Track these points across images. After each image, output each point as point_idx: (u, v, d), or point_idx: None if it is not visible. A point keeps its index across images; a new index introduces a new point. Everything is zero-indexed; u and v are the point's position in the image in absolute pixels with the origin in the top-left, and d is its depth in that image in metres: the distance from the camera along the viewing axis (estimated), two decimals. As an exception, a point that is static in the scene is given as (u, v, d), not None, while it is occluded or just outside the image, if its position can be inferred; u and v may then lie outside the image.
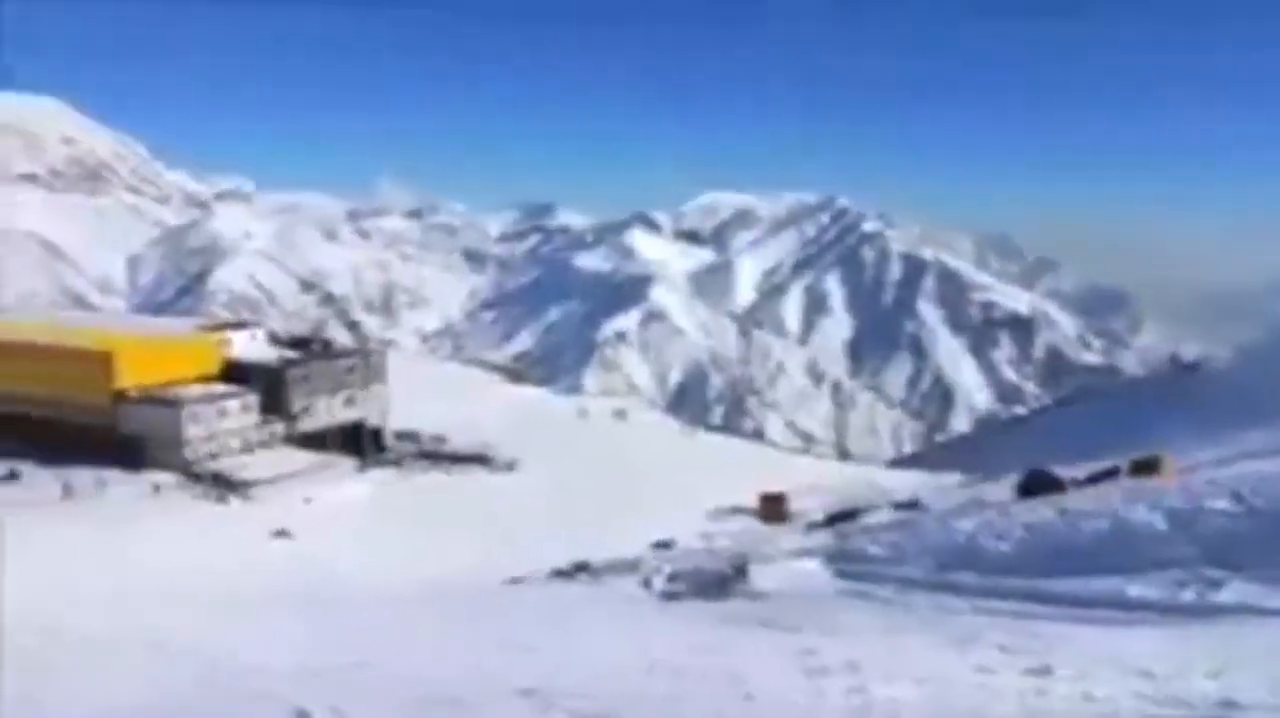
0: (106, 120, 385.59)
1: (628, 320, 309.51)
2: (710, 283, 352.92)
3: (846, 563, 19.49)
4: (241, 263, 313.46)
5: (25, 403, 48.22)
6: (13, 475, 42.16)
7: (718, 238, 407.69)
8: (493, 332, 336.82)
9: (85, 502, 39.18)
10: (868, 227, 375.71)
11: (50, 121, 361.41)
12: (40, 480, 41.55)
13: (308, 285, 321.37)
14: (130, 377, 48.12)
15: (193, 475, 44.49)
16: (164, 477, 43.57)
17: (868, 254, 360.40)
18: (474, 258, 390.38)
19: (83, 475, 41.74)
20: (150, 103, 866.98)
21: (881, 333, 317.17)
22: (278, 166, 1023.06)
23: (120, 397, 47.47)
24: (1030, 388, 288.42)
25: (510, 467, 52.38)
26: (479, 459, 53.44)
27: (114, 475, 42.64)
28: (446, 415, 60.03)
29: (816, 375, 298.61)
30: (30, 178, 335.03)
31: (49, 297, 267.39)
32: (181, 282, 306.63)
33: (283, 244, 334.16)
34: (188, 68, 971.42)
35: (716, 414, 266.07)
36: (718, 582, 19.48)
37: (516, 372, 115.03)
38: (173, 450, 45.77)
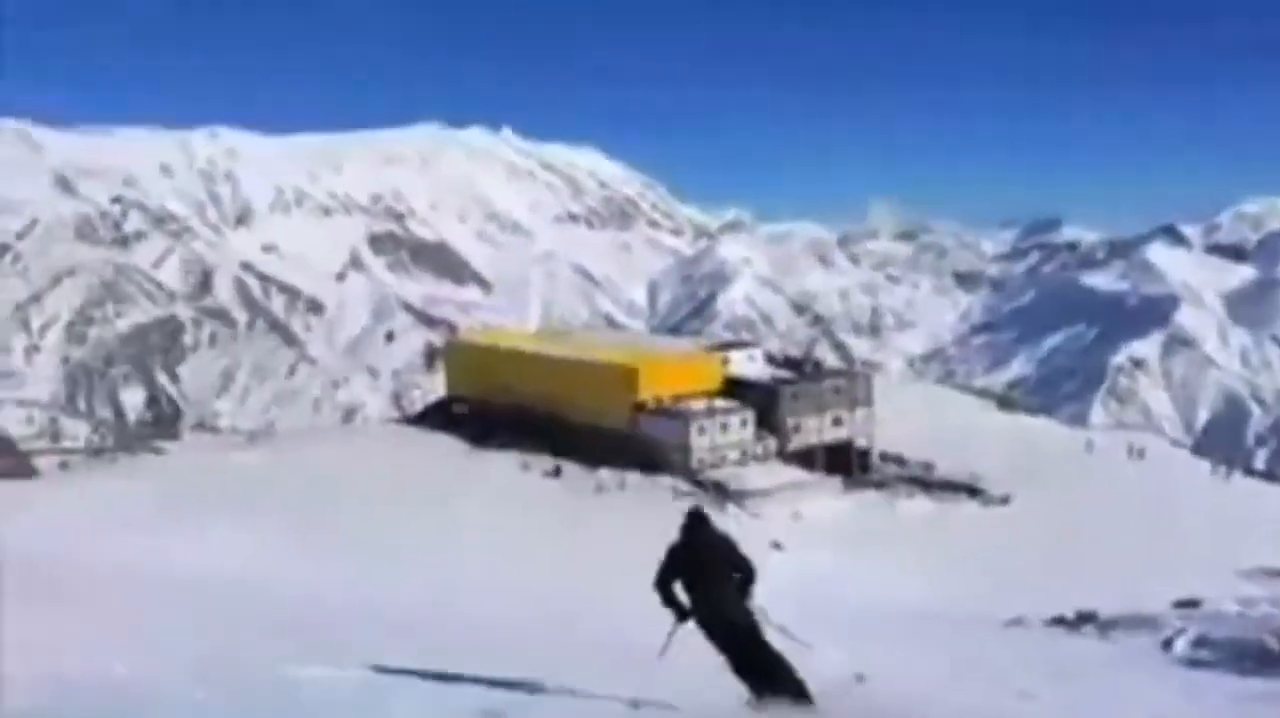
0: (633, 164, 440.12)
1: (1146, 346, 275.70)
2: (1253, 305, 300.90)
3: None
4: (742, 288, 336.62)
5: (566, 408, 56.57)
6: (557, 472, 49.71)
7: (1265, 252, 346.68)
8: (985, 356, 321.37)
9: (610, 497, 44.91)
10: None
11: (589, 168, 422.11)
12: (577, 476, 48.48)
13: (799, 308, 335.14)
14: (648, 390, 54.16)
15: (697, 482, 48.69)
16: (675, 481, 48.29)
17: None
18: (966, 279, 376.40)
19: (609, 475, 47.89)
20: (667, 144, 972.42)
21: None
22: (775, 198, 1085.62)
23: (640, 407, 53.62)
24: None
25: (1004, 499, 49.48)
26: (969, 489, 51.29)
27: (633, 477, 48.29)
28: (933, 441, 58.50)
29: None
30: (574, 217, 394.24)
31: (584, 317, 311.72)
32: (692, 305, 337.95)
33: (778, 269, 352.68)
34: (694, 113, 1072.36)
35: (1259, 457, 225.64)
36: (1260, 655, 16.51)
37: (1011, 399, 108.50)
38: (681, 458, 50.56)
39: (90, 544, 21.86)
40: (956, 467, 54.29)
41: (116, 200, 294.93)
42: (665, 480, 48.18)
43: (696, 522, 8.05)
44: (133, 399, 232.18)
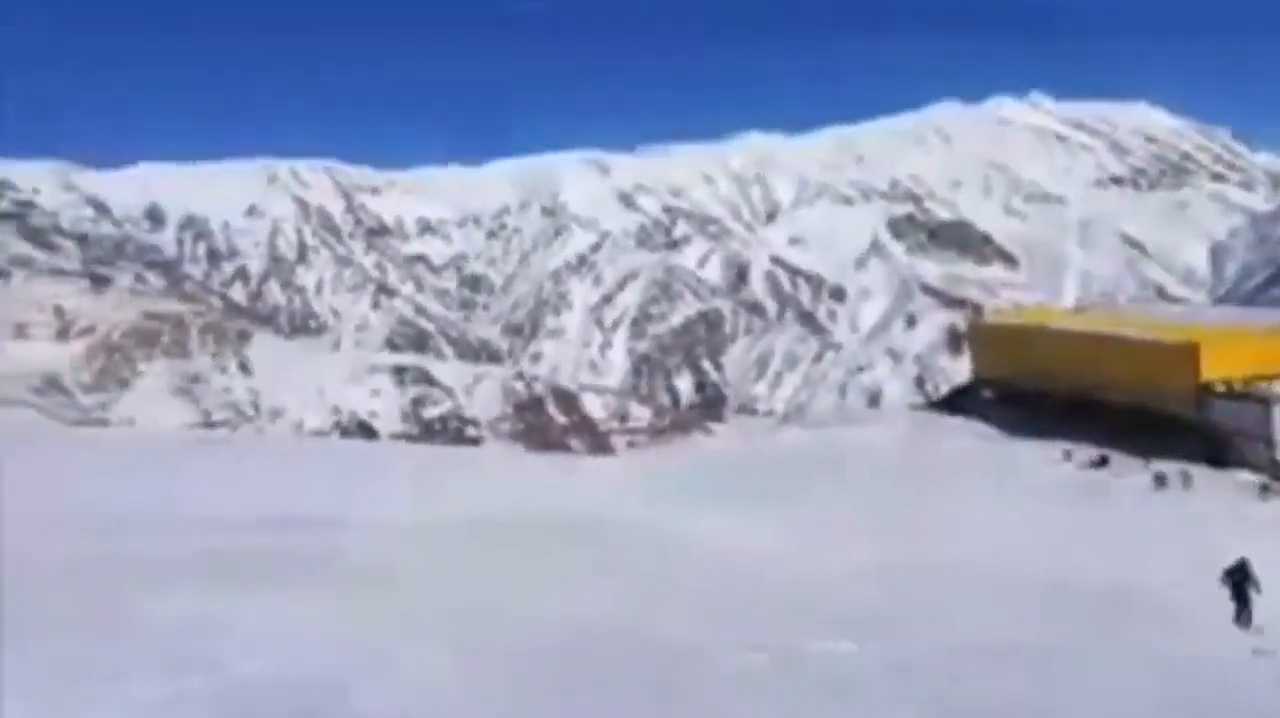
0: (1190, 113, 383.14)
1: None
2: None
3: None
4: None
5: (1110, 391, 51.06)
6: (1103, 461, 45.22)
7: None
8: None
9: (1175, 495, 39.57)
10: None
11: (1133, 124, 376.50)
12: (1127, 468, 43.57)
13: None
14: (1214, 370, 46.78)
15: (1284, 479, 40.96)
16: (1257, 477, 41.11)
17: None
18: None
19: (1169, 467, 42.26)
20: (1233, 89, 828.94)
21: None
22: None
23: (1204, 390, 46.54)
24: None
25: None
26: None
27: (1196, 471, 42.07)
28: None
29: None
30: (1115, 180, 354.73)
31: (1131, 290, 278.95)
32: (1270, 270, 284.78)
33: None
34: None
35: None
36: None
37: None
38: (1261, 450, 42.90)
39: (642, 514, 24.93)
40: None
41: (667, 210, 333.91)
42: (1243, 477, 41.18)
43: (1243, 565, 19.25)
44: (684, 385, 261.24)
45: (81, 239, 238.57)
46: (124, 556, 10.57)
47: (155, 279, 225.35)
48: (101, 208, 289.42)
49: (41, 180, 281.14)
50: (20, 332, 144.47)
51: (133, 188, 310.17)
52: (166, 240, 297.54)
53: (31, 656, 7.10)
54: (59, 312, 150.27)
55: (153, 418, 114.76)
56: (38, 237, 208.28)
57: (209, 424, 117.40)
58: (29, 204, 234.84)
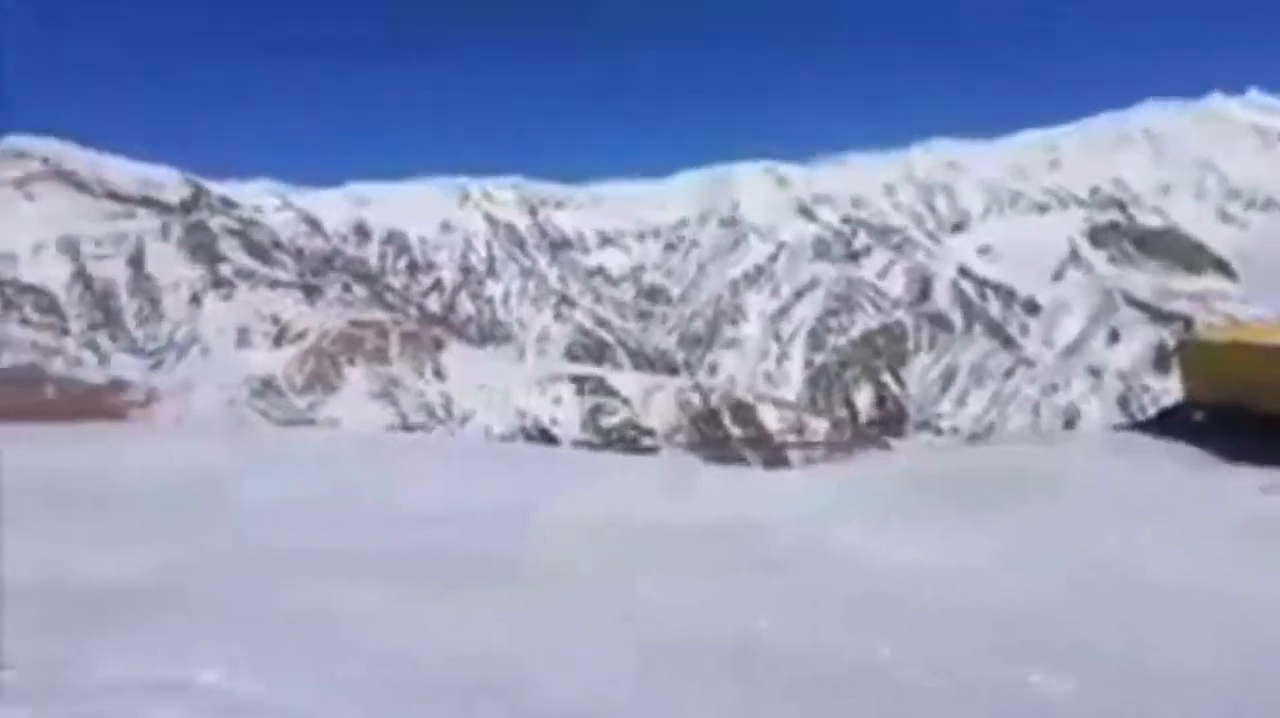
0: None
1: None
2: None
3: None
4: None
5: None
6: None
7: None
8: None
9: None
10: None
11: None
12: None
13: None
14: None
15: None
16: None
17: None
18: None
19: None
20: None
21: None
22: None
23: None
24: None
25: None
26: None
27: None
28: None
29: None
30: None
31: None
32: None
33: None
34: None
35: None
36: None
37: None
38: None
39: (816, 527, 24.58)
40: None
41: (846, 221, 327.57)
42: None
43: None
44: (863, 400, 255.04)
45: (297, 253, 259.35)
46: (324, 549, 11.49)
47: (360, 290, 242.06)
48: (314, 224, 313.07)
49: (262, 199, 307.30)
50: (243, 339, 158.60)
51: (342, 205, 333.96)
52: (371, 254, 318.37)
53: (228, 644, 7.75)
54: (275, 320, 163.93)
55: (355, 419, 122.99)
56: (258, 251, 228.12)
57: (406, 427, 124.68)
58: (251, 221, 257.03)
